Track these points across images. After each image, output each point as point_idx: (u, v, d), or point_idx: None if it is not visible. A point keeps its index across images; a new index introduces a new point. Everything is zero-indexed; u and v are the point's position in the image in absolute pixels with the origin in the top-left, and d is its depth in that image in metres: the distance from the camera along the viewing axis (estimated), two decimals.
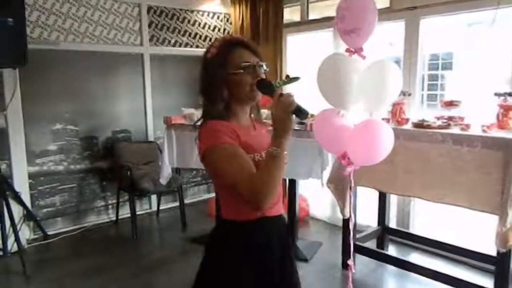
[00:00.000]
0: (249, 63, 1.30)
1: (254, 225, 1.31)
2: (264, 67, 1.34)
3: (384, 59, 1.67)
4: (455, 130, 2.46)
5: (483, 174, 2.22)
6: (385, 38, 4.10)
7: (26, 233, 3.63)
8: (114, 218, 4.15)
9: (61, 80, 3.80)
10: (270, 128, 1.25)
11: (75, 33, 3.86)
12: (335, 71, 1.67)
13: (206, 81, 1.32)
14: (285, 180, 3.27)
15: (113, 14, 4.07)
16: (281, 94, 1.21)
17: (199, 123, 1.35)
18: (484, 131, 2.34)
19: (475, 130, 2.40)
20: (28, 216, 3.61)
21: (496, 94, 2.52)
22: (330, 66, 1.70)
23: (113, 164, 4.09)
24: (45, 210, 3.83)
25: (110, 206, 4.21)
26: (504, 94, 2.50)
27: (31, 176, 3.70)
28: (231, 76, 1.29)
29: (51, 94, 3.76)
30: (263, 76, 1.32)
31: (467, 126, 2.46)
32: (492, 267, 2.53)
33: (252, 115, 1.43)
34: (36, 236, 3.72)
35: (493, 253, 2.34)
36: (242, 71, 1.29)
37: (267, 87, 1.28)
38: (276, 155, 1.17)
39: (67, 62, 3.82)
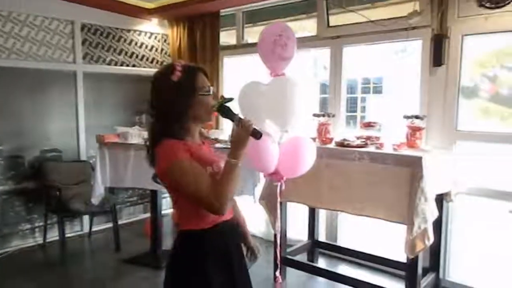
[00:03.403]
0: (212, 87, 1.47)
1: (212, 231, 1.44)
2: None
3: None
4: (371, 148, 2.70)
5: (395, 189, 2.46)
6: (320, 62, 4.38)
7: None
8: (41, 242, 3.94)
9: None
10: (214, 144, 1.41)
11: (0, 49, 3.70)
12: (285, 93, 1.84)
13: (171, 101, 1.40)
14: None
15: (43, 30, 3.96)
16: (241, 118, 1.40)
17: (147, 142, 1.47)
18: (394, 149, 2.62)
19: (388, 149, 2.66)
20: None
21: (405, 117, 2.84)
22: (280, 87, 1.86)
23: (40, 184, 3.89)
24: None
25: (37, 229, 3.99)
26: (412, 117, 2.82)
27: None
28: (199, 98, 1.42)
29: None
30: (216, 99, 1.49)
31: (381, 145, 2.72)
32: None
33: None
34: None
35: (404, 259, 2.58)
36: (210, 93, 1.45)
37: (228, 111, 1.44)
38: (235, 164, 1.37)
39: None
